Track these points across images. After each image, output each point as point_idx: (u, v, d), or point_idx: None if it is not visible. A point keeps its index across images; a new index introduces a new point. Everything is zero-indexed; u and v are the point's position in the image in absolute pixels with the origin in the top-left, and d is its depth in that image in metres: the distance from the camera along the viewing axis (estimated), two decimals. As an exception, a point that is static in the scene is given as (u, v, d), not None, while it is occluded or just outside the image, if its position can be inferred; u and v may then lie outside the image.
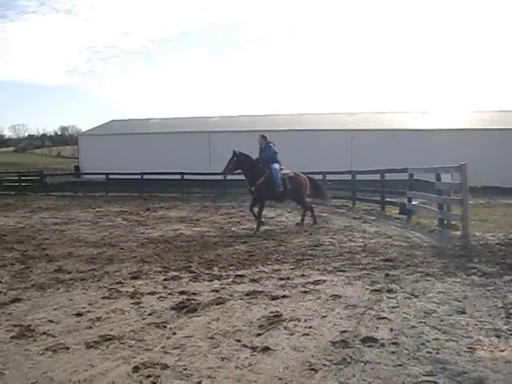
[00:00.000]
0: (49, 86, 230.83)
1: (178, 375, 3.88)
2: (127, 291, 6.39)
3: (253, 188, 12.17)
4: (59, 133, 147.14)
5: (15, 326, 5.21)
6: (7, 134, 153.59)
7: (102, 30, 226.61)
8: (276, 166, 12.21)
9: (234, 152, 12.33)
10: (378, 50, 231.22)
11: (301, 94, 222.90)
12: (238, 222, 13.55)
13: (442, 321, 4.94)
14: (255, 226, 11.90)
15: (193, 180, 24.56)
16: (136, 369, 4.02)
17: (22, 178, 32.98)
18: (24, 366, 4.19)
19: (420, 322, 4.91)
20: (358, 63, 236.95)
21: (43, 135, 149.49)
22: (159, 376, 3.88)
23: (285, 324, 4.97)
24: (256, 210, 12.16)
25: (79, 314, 5.50)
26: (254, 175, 12.17)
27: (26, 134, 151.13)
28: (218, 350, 4.35)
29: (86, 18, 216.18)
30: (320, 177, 20.03)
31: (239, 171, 12.37)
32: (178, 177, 23.96)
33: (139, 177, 24.58)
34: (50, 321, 5.33)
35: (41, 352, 4.49)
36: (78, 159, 46.58)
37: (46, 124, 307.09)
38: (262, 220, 12.38)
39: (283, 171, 12.43)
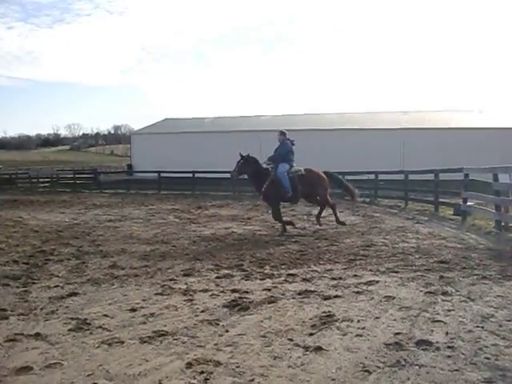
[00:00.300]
0: (103, 86, 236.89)
1: (231, 372, 3.90)
2: (180, 288, 6.47)
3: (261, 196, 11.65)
4: (112, 131, 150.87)
5: (72, 319, 5.36)
6: (63, 133, 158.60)
7: (154, 30, 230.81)
8: (282, 167, 11.40)
9: (241, 155, 11.80)
10: (432, 47, 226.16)
11: (352, 92, 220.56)
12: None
13: (500, 326, 4.76)
14: (297, 227, 11.76)
15: (244, 179, 24.61)
16: (189, 365, 4.06)
17: (77, 175, 33.96)
18: (81, 358, 4.30)
19: (477, 327, 4.75)
20: (411, 61, 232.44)
21: (97, 134, 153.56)
22: (212, 373, 3.91)
23: (337, 324, 4.91)
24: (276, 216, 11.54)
25: (133, 310, 5.61)
26: (260, 180, 11.53)
27: (81, 133, 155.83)
28: (271, 348, 4.34)
29: (138, 18, 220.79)
30: (372, 176, 19.79)
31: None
32: (229, 175, 24.09)
33: (191, 175, 24.86)
34: (106, 315, 5.47)
35: (97, 345, 4.60)
36: (131, 157, 47.49)
37: (100, 123, 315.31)
38: (289, 219, 12.09)
39: (293, 169, 11.59)
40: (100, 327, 5.07)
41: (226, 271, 7.41)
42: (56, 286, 6.77)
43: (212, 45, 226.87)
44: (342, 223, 11.90)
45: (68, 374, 4.00)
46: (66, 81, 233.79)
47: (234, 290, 6.32)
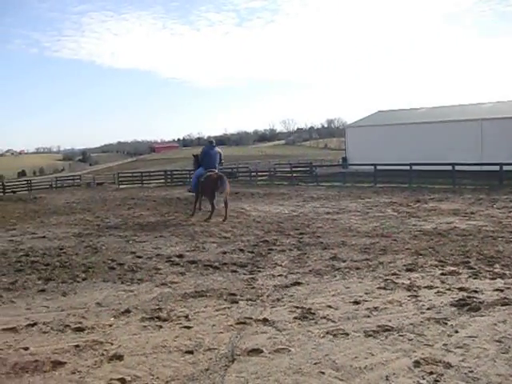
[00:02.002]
0: (315, 82, 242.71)
1: (463, 377, 3.68)
2: (403, 283, 6.32)
3: None
4: (326, 125, 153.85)
5: (297, 307, 5.58)
6: (278, 128, 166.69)
7: (363, 22, 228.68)
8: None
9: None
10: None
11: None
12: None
13: None
14: None
15: (464, 171, 23.22)
16: (417, 363, 3.94)
17: (294, 169, 35.35)
18: (307, 346, 4.45)
19: None
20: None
21: (311, 128, 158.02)
22: (442, 374, 3.73)
23: None
24: None
25: (356, 302, 5.63)
26: None
27: (295, 128, 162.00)
28: (508, 356, 3.99)
29: (347, 12, 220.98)
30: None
31: None
32: (449, 168, 22.88)
33: (408, 168, 24.13)
34: (329, 306, 5.57)
35: (322, 335, 4.71)
36: (346, 150, 47.74)
37: (314, 117, 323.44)
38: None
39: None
40: (324, 318, 5.19)
41: (452, 268, 7.02)
42: (280, 275, 7.12)
43: (420, 31, 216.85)
44: None
45: (295, 360, 4.17)
46: (279, 78, 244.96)
47: (461, 289, 5.97)
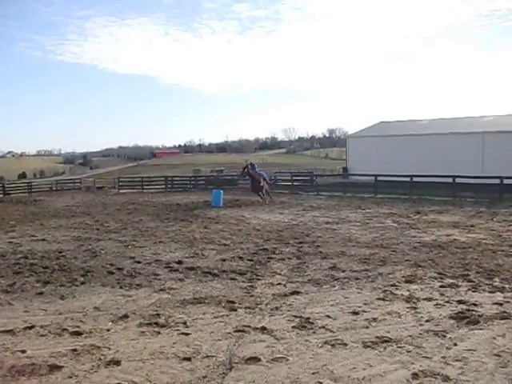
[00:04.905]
0: (316, 90, 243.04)
1: (462, 390, 3.66)
2: (402, 295, 6.31)
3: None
4: (327, 135, 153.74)
5: (295, 316, 5.58)
6: (279, 136, 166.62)
7: (363, 31, 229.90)
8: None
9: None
10: None
11: None
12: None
13: None
14: None
15: (465, 184, 23.22)
16: (415, 375, 3.93)
17: (294, 178, 35.35)
18: (305, 356, 4.44)
19: None
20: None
21: (312, 137, 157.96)
22: (440, 387, 3.72)
23: None
24: None
25: (355, 313, 5.62)
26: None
27: (297, 137, 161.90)
28: (507, 370, 3.98)
29: (347, 22, 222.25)
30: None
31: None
32: (449, 180, 22.89)
33: (408, 179, 24.14)
34: (328, 316, 5.57)
35: (320, 345, 4.70)
36: (347, 160, 47.79)
37: (315, 127, 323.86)
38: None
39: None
40: (323, 327, 5.19)
41: (451, 280, 7.01)
42: (279, 284, 7.12)
43: (422, 43, 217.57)
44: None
45: (293, 369, 4.16)
46: (281, 87, 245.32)
47: (460, 301, 5.96)
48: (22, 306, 6.15)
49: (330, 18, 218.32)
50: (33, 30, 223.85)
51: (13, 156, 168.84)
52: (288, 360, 4.34)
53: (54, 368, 4.20)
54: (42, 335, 5.06)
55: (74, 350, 4.60)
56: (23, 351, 4.59)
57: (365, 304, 5.95)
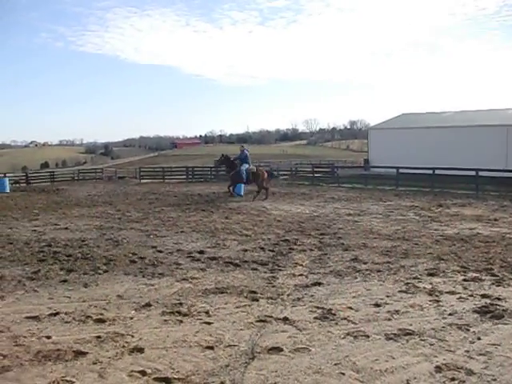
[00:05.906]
0: (338, 82, 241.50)
1: (486, 384, 3.63)
2: (425, 287, 6.27)
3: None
4: (348, 127, 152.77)
5: (317, 307, 5.57)
6: (300, 128, 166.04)
7: (385, 23, 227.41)
8: (243, 167, 18.73)
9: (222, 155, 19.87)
10: None
11: None
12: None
13: None
14: None
15: (488, 177, 22.90)
16: (438, 369, 3.90)
17: (315, 169, 35.22)
18: (327, 347, 4.44)
19: None
20: None
21: (333, 129, 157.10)
22: (464, 381, 3.70)
23: None
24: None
25: (377, 305, 5.60)
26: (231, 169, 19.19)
27: (318, 128, 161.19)
28: (533, 364, 3.93)
29: (368, 13, 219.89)
30: None
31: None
32: (472, 173, 22.60)
33: (430, 172, 23.88)
34: (350, 307, 5.56)
35: (342, 336, 4.70)
36: (368, 152, 47.40)
37: (336, 118, 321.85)
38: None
39: (249, 167, 18.87)
40: (345, 319, 5.18)
41: (474, 274, 6.94)
42: (300, 275, 7.12)
43: (445, 35, 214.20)
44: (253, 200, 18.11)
45: (316, 360, 4.16)
46: (302, 78, 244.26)
47: (484, 296, 5.90)
48: (47, 292, 6.25)
49: (350, 8, 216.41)
50: (54, 21, 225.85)
51: (36, 146, 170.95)
52: (310, 350, 4.35)
53: (79, 354, 4.26)
54: (66, 322, 5.14)
55: (98, 336, 4.66)
56: (48, 337, 4.67)
57: (387, 296, 5.93)
